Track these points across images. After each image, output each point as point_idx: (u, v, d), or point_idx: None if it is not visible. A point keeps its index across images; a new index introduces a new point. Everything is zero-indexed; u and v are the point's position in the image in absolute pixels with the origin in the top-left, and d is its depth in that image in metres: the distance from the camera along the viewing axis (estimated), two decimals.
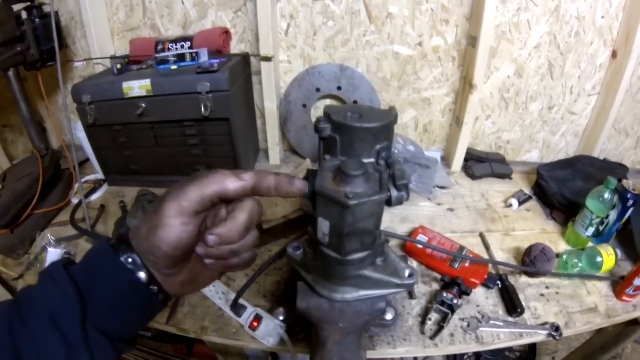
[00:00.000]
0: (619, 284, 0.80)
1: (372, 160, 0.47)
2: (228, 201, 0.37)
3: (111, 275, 0.35)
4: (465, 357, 1.40)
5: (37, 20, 0.94)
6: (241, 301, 0.75)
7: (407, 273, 0.55)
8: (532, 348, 1.42)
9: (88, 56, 1.13)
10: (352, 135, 0.46)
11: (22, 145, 1.24)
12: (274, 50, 1.04)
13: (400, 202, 0.44)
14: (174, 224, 0.34)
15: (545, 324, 0.74)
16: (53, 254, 0.87)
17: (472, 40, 1.02)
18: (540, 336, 0.73)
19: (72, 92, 0.97)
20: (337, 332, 0.53)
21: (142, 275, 0.35)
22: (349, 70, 1.09)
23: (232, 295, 0.75)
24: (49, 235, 0.91)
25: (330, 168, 0.45)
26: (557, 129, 1.21)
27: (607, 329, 0.95)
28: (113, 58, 1.08)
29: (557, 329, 0.72)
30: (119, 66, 0.99)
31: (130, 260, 0.35)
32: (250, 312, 0.73)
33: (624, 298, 0.78)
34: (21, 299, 0.35)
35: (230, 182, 0.35)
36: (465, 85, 1.08)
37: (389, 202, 0.43)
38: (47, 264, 0.86)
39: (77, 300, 0.34)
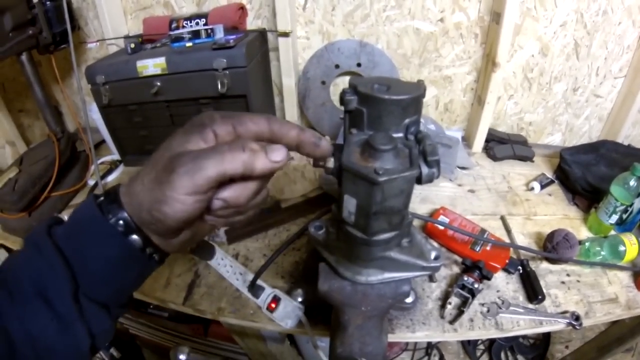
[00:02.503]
0: None
1: (401, 134, 0.45)
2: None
3: (101, 242, 0.31)
4: (479, 342, 1.39)
5: (48, 2, 0.92)
6: (259, 282, 0.74)
7: (433, 255, 0.53)
8: (546, 335, 1.40)
9: (101, 37, 1.11)
10: (380, 108, 0.43)
11: (38, 129, 1.24)
12: (292, 25, 1.01)
13: (430, 179, 0.42)
14: (185, 202, 0.29)
15: (566, 312, 0.71)
16: None
17: (496, 17, 0.97)
18: (560, 325, 0.70)
19: (86, 73, 0.96)
20: (359, 316, 0.51)
21: (136, 238, 0.32)
22: (368, 46, 1.05)
23: (250, 276, 0.74)
24: (66, 217, 0.91)
25: (357, 142, 0.43)
26: (581, 111, 1.16)
27: (623, 321, 0.93)
28: (126, 37, 1.07)
29: (577, 318, 0.70)
30: (132, 45, 0.98)
31: (121, 222, 0.31)
32: (268, 293, 0.72)
33: None
34: (5, 269, 0.33)
35: (259, 162, 0.29)
36: (488, 63, 1.03)
37: (419, 180, 0.41)
38: None
39: (66, 272, 0.31)
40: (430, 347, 1.37)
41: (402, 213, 0.45)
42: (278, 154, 0.30)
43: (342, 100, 0.45)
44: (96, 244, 0.32)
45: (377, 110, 0.43)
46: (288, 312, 0.69)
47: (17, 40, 0.87)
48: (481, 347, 1.39)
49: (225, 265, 0.78)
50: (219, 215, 0.33)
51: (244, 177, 0.30)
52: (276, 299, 0.70)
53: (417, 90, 0.45)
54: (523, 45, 1.05)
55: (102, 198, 0.32)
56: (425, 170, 0.41)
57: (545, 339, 1.39)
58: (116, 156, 1.13)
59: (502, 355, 1.36)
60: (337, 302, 0.53)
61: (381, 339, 0.52)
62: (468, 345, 1.38)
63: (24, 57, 0.92)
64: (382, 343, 0.52)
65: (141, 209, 0.30)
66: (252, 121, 0.32)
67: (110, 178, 1.08)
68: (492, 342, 1.37)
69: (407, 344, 1.35)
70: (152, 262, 0.35)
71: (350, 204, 0.42)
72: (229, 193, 0.31)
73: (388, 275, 0.51)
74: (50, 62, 0.98)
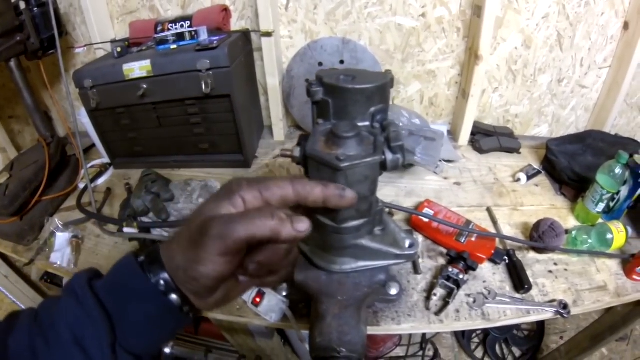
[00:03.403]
0: (629, 262, 0.77)
1: (367, 123, 0.46)
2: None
3: (141, 298, 0.33)
4: (474, 335, 1.39)
5: (35, 9, 0.93)
6: None
7: (407, 243, 0.54)
8: (541, 327, 1.40)
9: (89, 42, 1.12)
10: (345, 98, 0.44)
11: (29, 135, 1.25)
12: (274, 25, 1.02)
13: (396, 165, 0.42)
14: (217, 262, 0.31)
15: (553, 301, 0.72)
16: (61, 238, 0.89)
17: (477, 10, 0.98)
18: (547, 313, 0.71)
19: (74, 77, 0.97)
20: (335, 306, 0.52)
21: (175, 297, 0.33)
22: (351, 43, 1.06)
23: None
24: (56, 220, 0.92)
25: (322, 132, 0.44)
26: (567, 102, 1.17)
27: (616, 309, 0.93)
28: (113, 42, 1.08)
29: (565, 306, 0.71)
30: (119, 49, 0.99)
31: (162, 282, 0.33)
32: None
33: (634, 277, 0.76)
34: (42, 315, 0.34)
35: (285, 229, 0.31)
36: (471, 56, 1.04)
37: (384, 166, 0.42)
38: (55, 248, 0.87)
39: (104, 323, 0.32)
40: (424, 341, 1.37)
41: (369, 200, 0.46)
42: (302, 225, 0.32)
43: (309, 92, 0.45)
44: (137, 300, 0.33)
45: (343, 100, 0.44)
46: (272, 306, 0.70)
47: (4, 47, 0.88)
48: (475, 340, 1.39)
49: None
50: (253, 276, 0.36)
51: (271, 241, 0.32)
52: (261, 293, 0.71)
53: (382, 79, 0.46)
54: (506, 38, 1.05)
55: (143, 257, 0.34)
56: (389, 156, 0.42)
57: (539, 330, 1.39)
58: (106, 159, 1.14)
59: (497, 347, 1.36)
60: (314, 292, 0.53)
61: (359, 329, 0.53)
62: (462, 339, 1.38)
63: (12, 63, 0.93)
64: (360, 332, 0.53)
65: (178, 269, 0.33)
66: (277, 186, 0.34)
67: (101, 181, 1.09)
68: (486, 334, 1.37)
69: (400, 338, 1.35)
70: (187, 318, 0.36)
71: None
72: (262, 256, 0.33)
73: (362, 263, 0.52)
74: (39, 67, 0.99)
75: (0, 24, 0.86)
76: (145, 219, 0.88)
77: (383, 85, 0.45)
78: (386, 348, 1.33)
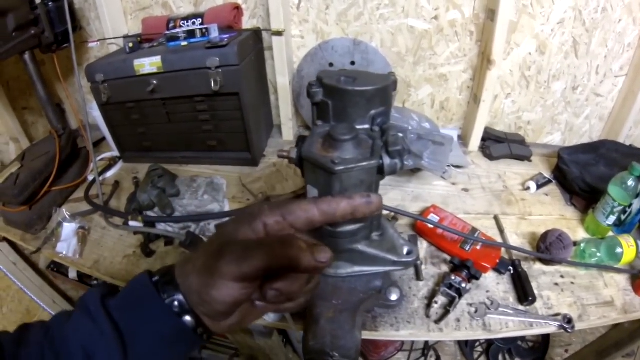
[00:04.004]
0: (638, 278, 0.74)
1: (367, 126, 0.45)
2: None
3: (155, 319, 0.33)
4: (477, 344, 1.37)
5: (50, 3, 0.94)
6: None
7: (405, 250, 0.53)
8: (546, 339, 1.37)
9: (102, 37, 1.14)
10: (345, 100, 0.43)
11: (42, 126, 1.27)
12: (285, 24, 1.02)
13: (393, 170, 0.42)
14: (232, 287, 0.30)
15: (558, 315, 0.70)
16: (68, 228, 0.90)
17: (491, 14, 0.96)
18: (551, 327, 0.69)
19: (86, 71, 0.99)
20: (330, 310, 0.52)
21: (189, 319, 0.33)
22: (362, 44, 1.05)
23: None
24: (64, 210, 0.93)
25: (320, 134, 0.43)
26: (581, 110, 1.14)
27: (623, 325, 0.90)
28: (126, 37, 1.09)
29: (569, 321, 0.68)
30: (130, 45, 1.00)
31: (176, 303, 0.32)
32: None
33: None
34: (54, 330, 0.34)
35: (304, 259, 0.30)
36: (483, 61, 1.02)
37: (382, 170, 0.41)
38: (62, 238, 0.89)
39: (117, 342, 0.32)
40: (427, 347, 1.35)
41: None
42: (324, 255, 0.30)
43: (309, 93, 0.45)
44: (150, 320, 0.33)
45: (342, 102, 0.44)
46: None
47: (19, 40, 0.90)
48: (479, 349, 1.37)
49: None
50: (271, 303, 0.34)
51: (291, 269, 0.31)
52: None
53: (384, 82, 0.45)
54: (520, 43, 1.03)
55: (157, 277, 0.34)
56: (387, 161, 0.41)
57: (544, 342, 1.36)
58: (116, 153, 1.16)
59: (500, 357, 1.34)
60: None
61: (354, 334, 0.52)
62: (465, 347, 1.36)
63: (26, 56, 0.95)
64: (354, 338, 0.52)
65: (191, 291, 0.32)
66: (300, 209, 0.33)
67: (109, 174, 1.11)
68: (490, 344, 1.34)
69: (402, 343, 1.34)
70: (201, 340, 0.35)
71: (312, 194, 0.43)
72: (282, 284, 0.31)
73: (358, 268, 0.51)
74: (53, 61, 1.01)
75: (15, 18, 0.87)
76: (150, 213, 0.89)
77: (384, 87, 0.44)
78: (387, 353, 1.31)
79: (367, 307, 0.60)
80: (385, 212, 0.85)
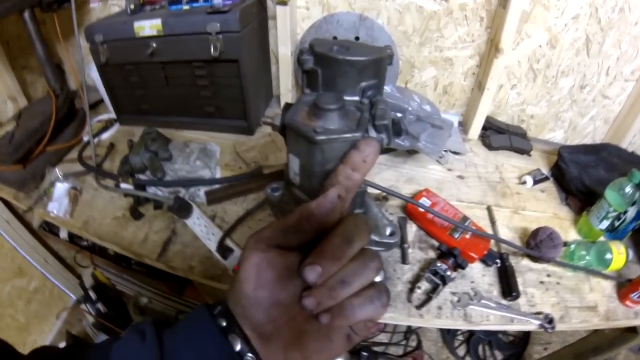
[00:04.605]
0: (624, 287, 0.74)
1: (356, 98, 0.44)
2: None
3: (198, 337, 0.31)
4: (459, 332, 1.38)
5: None
6: (230, 244, 0.74)
7: (388, 231, 0.52)
8: (526, 335, 1.38)
9: None
10: (334, 69, 0.42)
11: (40, 86, 1.26)
12: None
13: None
14: (260, 257, 0.29)
15: (540, 313, 0.70)
16: (60, 189, 0.90)
17: (503, 1, 0.93)
18: (531, 325, 0.69)
19: (85, 32, 0.97)
20: None
21: (236, 338, 0.30)
22: (368, 20, 1.03)
23: None
24: (57, 170, 0.93)
25: (306, 102, 0.42)
26: (587, 111, 1.11)
27: (603, 331, 0.90)
28: None
29: (550, 320, 0.69)
30: (132, 6, 0.98)
31: (220, 309, 0.31)
32: (236, 255, 0.73)
33: (627, 303, 0.73)
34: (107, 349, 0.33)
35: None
36: (491, 48, 1.00)
37: None
38: (54, 197, 0.89)
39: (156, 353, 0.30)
40: (409, 331, 1.37)
41: None
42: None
43: (299, 60, 0.44)
44: (194, 339, 0.31)
45: (332, 71, 0.42)
46: None
47: None
48: (460, 337, 1.38)
49: (201, 225, 0.79)
50: (320, 297, 0.28)
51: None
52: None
53: (377, 54, 0.43)
54: (531, 34, 1.00)
55: (224, 324, 0.31)
56: (372, 134, 0.40)
57: (524, 338, 1.37)
58: (113, 115, 1.15)
59: (480, 348, 1.35)
60: None
61: None
62: (447, 335, 1.37)
63: (26, 14, 0.93)
64: None
65: (236, 301, 0.30)
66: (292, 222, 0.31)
67: (105, 135, 1.10)
68: (471, 334, 1.36)
69: (385, 325, 1.35)
70: None
71: (294, 164, 0.42)
72: (317, 257, 0.28)
73: None
74: (54, 20, 0.99)
75: None
76: (142, 176, 0.89)
77: (377, 59, 0.43)
78: (369, 332, 1.33)
79: None
80: (376, 192, 0.84)
